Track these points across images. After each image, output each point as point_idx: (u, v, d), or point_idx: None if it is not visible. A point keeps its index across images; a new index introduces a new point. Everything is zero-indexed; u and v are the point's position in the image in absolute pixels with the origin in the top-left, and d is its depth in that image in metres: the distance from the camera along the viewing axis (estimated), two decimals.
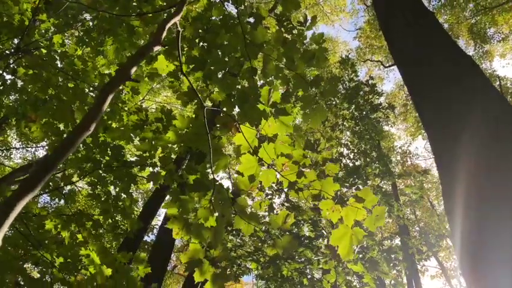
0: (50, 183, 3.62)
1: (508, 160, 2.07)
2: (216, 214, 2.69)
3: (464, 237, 2.08)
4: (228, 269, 10.19)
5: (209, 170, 3.04)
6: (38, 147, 15.89)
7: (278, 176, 2.76)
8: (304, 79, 3.15)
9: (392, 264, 13.08)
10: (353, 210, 2.53)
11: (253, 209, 2.98)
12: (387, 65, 20.90)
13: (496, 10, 15.96)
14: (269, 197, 10.18)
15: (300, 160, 2.73)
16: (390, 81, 73.16)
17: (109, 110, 4.79)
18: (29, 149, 16.56)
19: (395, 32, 3.70)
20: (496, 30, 17.24)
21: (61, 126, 4.16)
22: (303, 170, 2.68)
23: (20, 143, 16.15)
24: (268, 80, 3.54)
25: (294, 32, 3.94)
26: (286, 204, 10.58)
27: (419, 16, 3.44)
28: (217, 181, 2.73)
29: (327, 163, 2.79)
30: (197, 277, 2.85)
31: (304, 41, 4.13)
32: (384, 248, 12.01)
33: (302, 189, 2.67)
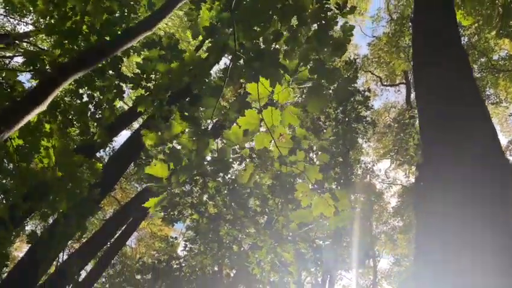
0: (39, 65, 3.42)
1: None
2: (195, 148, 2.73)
3: None
4: (166, 213, 10.32)
5: (202, 114, 3.00)
6: (21, 21, 14.97)
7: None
8: (325, 66, 3.11)
9: (313, 263, 13.65)
10: (324, 203, 2.59)
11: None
12: (386, 83, 21.11)
13: (502, 74, 16.36)
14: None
15: (301, 138, 2.74)
16: (381, 99, 74.09)
17: (118, 15, 4.55)
18: (10, 19, 15.56)
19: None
20: (493, 92, 17.74)
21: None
22: (296, 148, 2.70)
23: (4, 10, 15.11)
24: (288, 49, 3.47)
25: (328, 14, 3.86)
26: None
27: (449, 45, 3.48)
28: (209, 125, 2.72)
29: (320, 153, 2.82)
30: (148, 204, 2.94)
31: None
32: (313, 246, 12.47)
33: (287, 164, 2.69)
